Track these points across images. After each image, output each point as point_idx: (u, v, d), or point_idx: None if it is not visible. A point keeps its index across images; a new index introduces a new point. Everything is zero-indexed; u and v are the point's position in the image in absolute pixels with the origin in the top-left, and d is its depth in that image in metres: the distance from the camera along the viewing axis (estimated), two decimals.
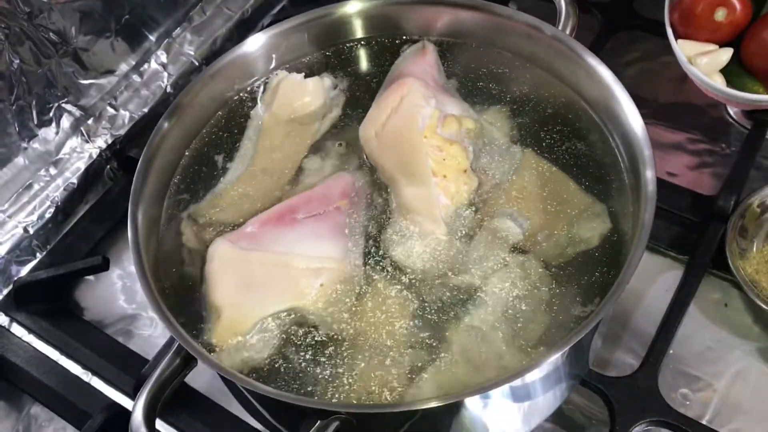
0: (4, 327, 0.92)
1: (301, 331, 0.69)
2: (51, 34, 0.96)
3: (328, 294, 0.70)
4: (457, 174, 0.74)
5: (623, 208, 0.71)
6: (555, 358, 0.61)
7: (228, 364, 0.67)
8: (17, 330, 0.92)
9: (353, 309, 0.69)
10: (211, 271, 0.71)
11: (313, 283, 0.70)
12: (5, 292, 0.95)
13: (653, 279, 0.86)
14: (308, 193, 0.76)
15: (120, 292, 0.96)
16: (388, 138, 0.76)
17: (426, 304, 0.69)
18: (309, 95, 0.83)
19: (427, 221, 0.72)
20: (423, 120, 0.74)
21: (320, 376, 0.66)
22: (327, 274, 0.70)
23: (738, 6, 0.89)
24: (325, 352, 0.68)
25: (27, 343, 0.90)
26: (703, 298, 0.84)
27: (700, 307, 0.83)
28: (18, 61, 0.93)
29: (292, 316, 0.70)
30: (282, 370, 0.67)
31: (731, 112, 0.98)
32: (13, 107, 0.95)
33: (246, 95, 0.87)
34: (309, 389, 0.66)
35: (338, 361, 0.67)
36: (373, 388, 0.65)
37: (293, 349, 0.68)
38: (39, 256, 0.98)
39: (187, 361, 0.64)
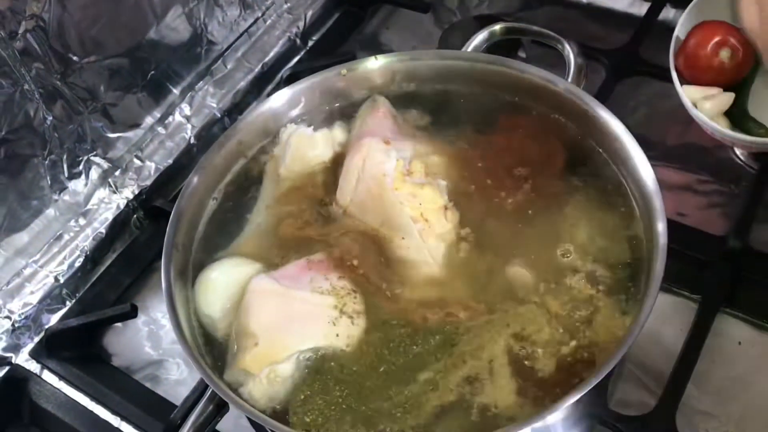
0: (35, 374, 0.95)
1: (333, 372, 0.70)
2: (82, 91, 1.01)
3: (363, 339, 0.72)
4: (438, 214, 0.76)
5: (637, 251, 0.73)
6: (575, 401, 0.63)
7: (258, 394, 0.68)
8: (48, 377, 0.95)
9: (383, 355, 0.71)
10: (251, 301, 0.73)
11: (352, 326, 0.72)
12: (36, 339, 0.98)
13: (667, 318, 0.87)
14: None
15: (146, 338, 0.99)
16: (362, 201, 0.79)
17: (441, 348, 0.71)
18: (318, 148, 0.86)
19: (423, 267, 0.75)
20: (389, 174, 0.77)
21: (347, 418, 0.68)
22: (364, 319, 0.73)
23: (741, 48, 0.92)
24: (355, 395, 0.69)
25: (58, 389, 0.93)
26: (716, 336, 0.85)
27: (713, 345, 0.84)
28: (51, 117, 0.98)
29: (327, 355, 0.71)
30: (311, 407, 0.68)
31: (738, 153, 1.01)
32: (46, 161, 0.99)
33: (264, 149, 0.90)
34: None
35: (365, 406, 0.68)
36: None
37: (323, 387, 0.70)
38: (69, 304, 1.02)
39: (220, 408, 0.67)
